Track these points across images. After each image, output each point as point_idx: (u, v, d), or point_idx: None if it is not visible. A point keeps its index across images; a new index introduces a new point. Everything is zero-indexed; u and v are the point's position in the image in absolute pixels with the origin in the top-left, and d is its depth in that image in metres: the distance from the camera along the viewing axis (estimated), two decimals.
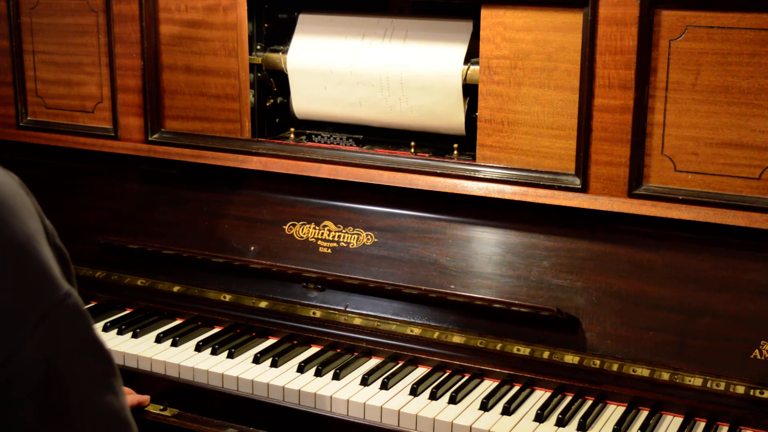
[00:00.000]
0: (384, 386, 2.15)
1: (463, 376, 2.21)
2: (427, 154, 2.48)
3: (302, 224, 2.50)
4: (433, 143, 2.55)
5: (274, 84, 2.76)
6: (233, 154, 2.63)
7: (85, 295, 2.66)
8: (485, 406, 2.07)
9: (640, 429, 1.99)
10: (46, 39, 2.88)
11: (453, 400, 2.09)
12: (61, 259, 1.15)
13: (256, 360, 2.28)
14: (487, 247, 2.30)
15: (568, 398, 2.12)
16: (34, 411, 1.07)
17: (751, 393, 1.98)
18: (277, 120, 2.79)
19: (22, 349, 1.05)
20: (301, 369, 2.24)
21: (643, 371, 2.07)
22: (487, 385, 2.18)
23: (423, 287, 2.29)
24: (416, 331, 2.29)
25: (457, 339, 2.24)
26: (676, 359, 2.06)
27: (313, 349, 2.36)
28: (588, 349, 2.13)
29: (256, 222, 2.55)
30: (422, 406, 2.08)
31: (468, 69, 2.40)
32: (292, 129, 2.72)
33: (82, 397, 1.11)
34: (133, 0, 2.68)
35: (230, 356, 2.31)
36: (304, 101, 2.66)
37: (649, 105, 2.13)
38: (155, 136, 2.75)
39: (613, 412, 2.07)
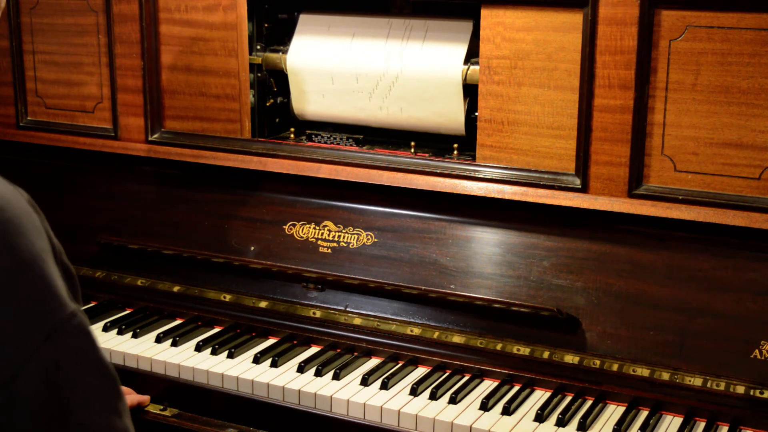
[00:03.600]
0: (384, 386, 2.15)
1: (463, 376, 2.21)
2: (427, 154, 2.48)
3: (302, 224, 2.50)
4: (433, 143, 2.55)
5: (274, 84, 2.76)
6: (233, 154, 2.63)
7: (85, 295, 2.66)
8: (485, 406, 2.07)
9: (640, 429, 1.99)
10: (46, 39, 2.88)
11: (453, 400, 2.09)
12: (67, 277, 1.14)
13: (256, 360, 2.28)
14: (487, 247, 2.30)
15: (568, 398, 2.12)
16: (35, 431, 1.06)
17: (751, 393, 1.98)
18: (277, 120, 2.79)
19: (25, 369, 1.04)
20: (301, 369, 2.24)
21: (643, 371, 2.07)
22: (487, 385, 2.18)
23: (423, 287, 2.29)
24: (416, 331, 2.29)
25: (457, 339, 2.24)
26: (676, 359, 2.06)
27: (313, 349, 2.36)
28: (588, 349, 2.13)
29: (256, 222, 2.55)
30: (422, 406, 2.08)
31: (468, 69, 2.40)
32: (292, 129, 2.72)
33: (84, 418, 1.10)
34: (133, 0, 2.68)
35: (230, 356, 2.31)
36: (304, 101, 2.66)
37: (649, 105, 2.13)
38: (155, 136, 2.75)
39: (613, 412, 2.07)
